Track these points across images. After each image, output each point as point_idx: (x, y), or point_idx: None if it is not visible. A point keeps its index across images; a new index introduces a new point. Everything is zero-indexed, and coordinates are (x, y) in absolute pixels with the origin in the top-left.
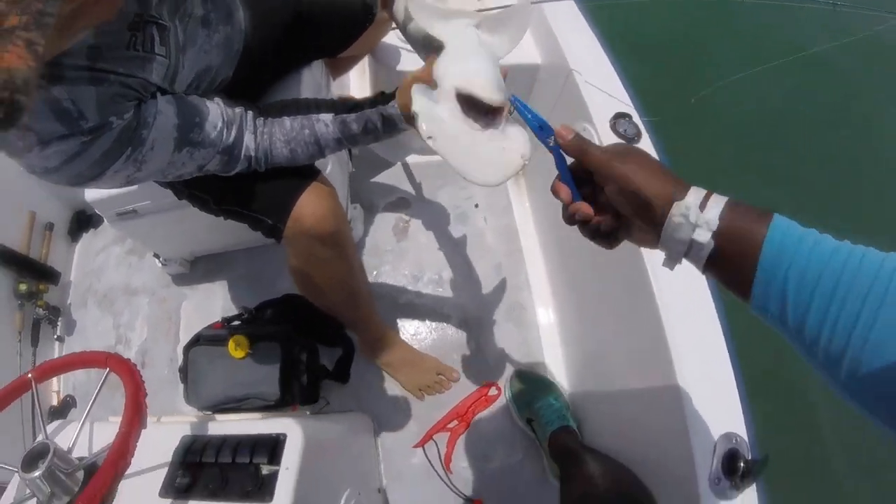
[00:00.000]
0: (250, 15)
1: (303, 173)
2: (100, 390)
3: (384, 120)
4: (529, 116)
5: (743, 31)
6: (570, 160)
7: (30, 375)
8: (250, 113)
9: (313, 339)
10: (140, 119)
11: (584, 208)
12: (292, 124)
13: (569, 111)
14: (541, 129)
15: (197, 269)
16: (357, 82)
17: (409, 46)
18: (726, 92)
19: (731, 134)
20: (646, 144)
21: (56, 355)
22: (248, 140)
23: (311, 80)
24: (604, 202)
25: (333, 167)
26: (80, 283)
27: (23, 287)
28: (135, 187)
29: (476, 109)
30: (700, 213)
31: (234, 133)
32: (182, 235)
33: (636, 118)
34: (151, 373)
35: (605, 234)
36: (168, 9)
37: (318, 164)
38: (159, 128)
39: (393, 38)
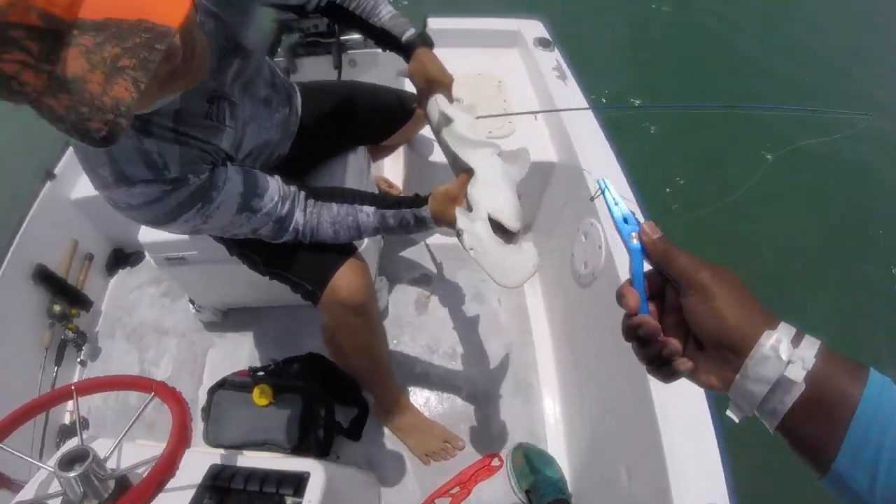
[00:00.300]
0: (306, 101)
1: (342, 249)
2: (140, 414)
3: (417, 220)
4: (614, 206)
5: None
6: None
7: (73, 387)
8: (303, 193)
9: (332, 396)
10: (212, 181)
11: (651, 324)
12: (339, 210)
13: (579, 207)
14: (625, 223)
15: (228, 319)
16: (391, 165)
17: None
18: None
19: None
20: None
21: (76, 378)
22: (298, 216)
23: (356, 163)
24: (671, 323)
25: (367, 243)
26: (110, 314)
27: (56, 308)
28: (188, 237)
29: (501, 229)
30: (793, 348)
31: (287, 207)
32: (221, 287)
33: (639, 215)
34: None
35: (666, 359)
36: (238, 87)
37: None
38: (227, 192)
39: (427, 130)
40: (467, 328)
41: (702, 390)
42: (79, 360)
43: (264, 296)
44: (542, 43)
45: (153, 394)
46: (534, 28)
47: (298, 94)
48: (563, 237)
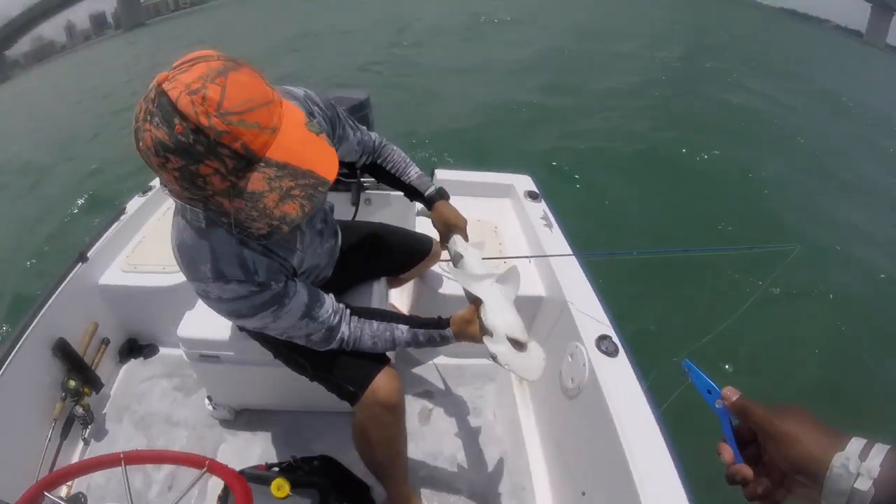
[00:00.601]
0: (345, 236)
1: (378, 357)
2: (188, 490)
3: (442, 338)
4: (699, 381)
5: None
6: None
7: (121, 455)
8: (349, 310)
9: (345, 495)
10: (286, 290)
11: (745, 471)
12: (378, 326)
13: (564, 333)
14: (709, 393)
15: (241, 417)
16: (396, 294)
17: (448, 275)
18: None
19: None
20: (622, 359)
21: (78, 456)
22: (345, 328)
23: (378, 291)
24: (766, 462)
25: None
26: (118, 399)
27: (71, 383)
28: (226, 338)
29: (515, 340)
30: (861, 462)
31: (337, 319)
32: (244, 387)
33: (615, 338)
34: (177, 497)
35: (765, 495)
36: (306, 220)
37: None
38: (296, 301)
39: (436, 267)
40: (467, 438)
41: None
42: (83, 437)
43: (280, 399)
44: (531, 195)
45: (205, 470)
46: (524, 182)
47: (340, 231)
48: (551, 359)
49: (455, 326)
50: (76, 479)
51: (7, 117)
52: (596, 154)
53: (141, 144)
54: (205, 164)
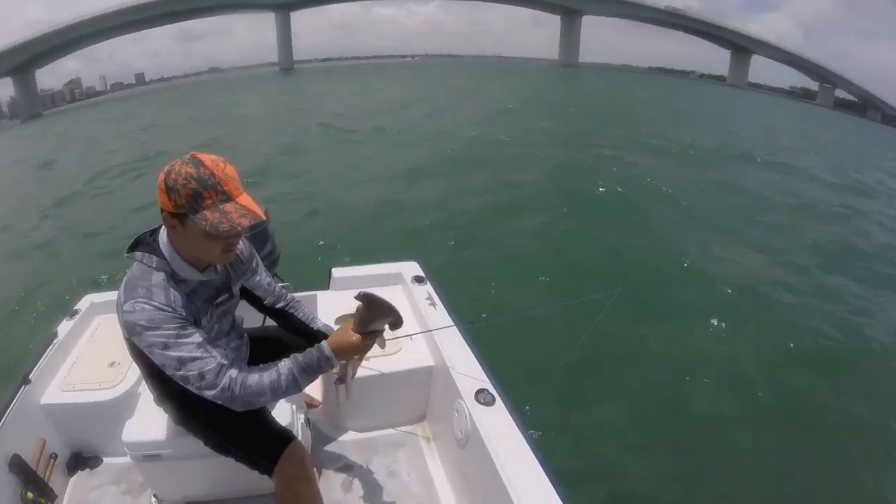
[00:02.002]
0: (254, 343)
1: (285, 436)
2: None
3: (323, 359)
4: None
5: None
6: None
7: None
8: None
9: None
10: (190, 324)
11: None
12: (263, 367)
13: (451, 393)
14: None
15: None
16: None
17: None
18: None
19: None
20: (499, 406)
21: None
22: (233, 371)
23: None
24: None
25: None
26: None
27: (30, 495)
28: (164, 437)
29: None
30: None
31: (227, 361)
32: (186, 481)
33: (491, 390)
34: None
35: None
36: (219, 312)
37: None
38: (195, 336)
39: None
40: (387, 499)
41: None
42: None
43: (221, 487)
44: (418, 279)
45: None
46: (412, 268)
47: (247, 338)
48: (446, 418)
49: (331, 343)
50: None
51: None
52: (468, 234)
53: (172, 175)
54: (207, 191)
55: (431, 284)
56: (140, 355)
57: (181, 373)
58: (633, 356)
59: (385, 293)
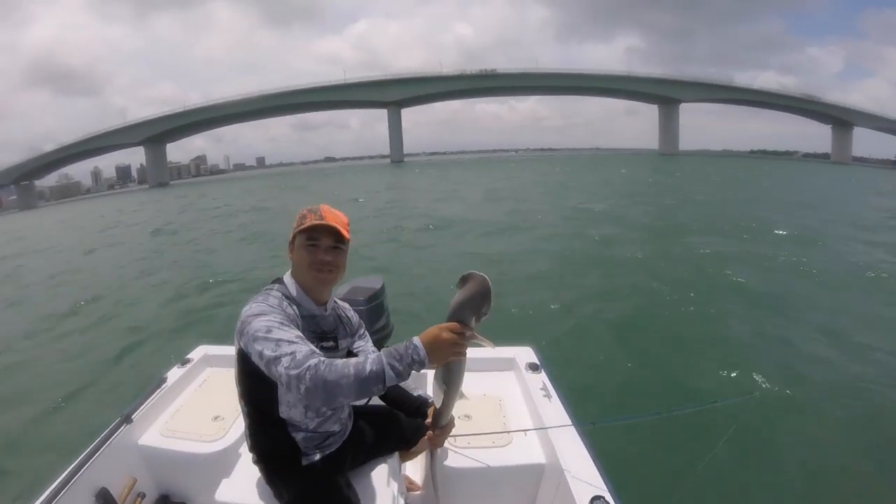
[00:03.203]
0: (360, 418)
1: None
2: None
3: (413, 354)
4: None
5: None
6: None
7: None
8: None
9: None
10: (288, 319)
11: None
12: (350, 358)
13: (564, 498)
14: None
15: None
16: (410, 467)
17: None
18: None
19: None
20: None
21: None
22: (321, 358)
23: (392, 465)
24: None
25: None
26: None
27: None
28: None
29: None
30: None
31: (315, 349)
32: None
33: (608, 497)
34: None
35: None
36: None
37: None
38: (292, 328)
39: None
40: None
41: None
42: None
43: None
44: (532, 367)
45: None
46: (526, 354)
47: (350, 410)
48: None
49: (422, 335)
50: None
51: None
52: (586, 325)
53: (297, 217)
54: (310, 214)
55: (546, 373)
56: (243, 370)
57: (276, 353)
58: (774, 470)
59: (498, 380)
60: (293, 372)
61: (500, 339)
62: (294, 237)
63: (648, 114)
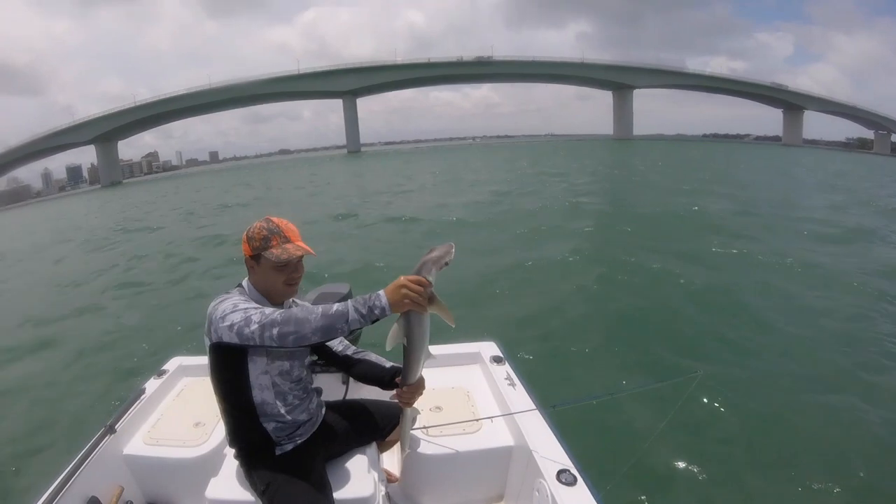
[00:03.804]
0: (336, 412)
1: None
2: None
3: (376, 304)
4: None
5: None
6: None
7: None
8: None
9: None
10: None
11: None
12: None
13: (532, 474)
14: None
15: None
16: (387, 458)
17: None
18: None
19: None
20: (580, 486)
21: None
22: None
23: (370, 454)
24: None
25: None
26: None
27: None
28: (245, 499)
29: None
30: None
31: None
32: None
33: (573, 470)
34: None
35: None
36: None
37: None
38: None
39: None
40: None
41: None
42: None
43: None
44: (496, 359)
45: None
46: (489, 348)
47: (321, 402)
48: (525, 498)
49: (387, 289)
50: None
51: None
52: (545, 314)
53: (251, 230)
54: (274, 236)
55: (510, 364)
56: (217, 364)
57: (246, 316)
58: (718, 439)
59: (465, 373)
60: (266, 320)
61: (463, 336)
62: (256, 255)
63: (602, 99)
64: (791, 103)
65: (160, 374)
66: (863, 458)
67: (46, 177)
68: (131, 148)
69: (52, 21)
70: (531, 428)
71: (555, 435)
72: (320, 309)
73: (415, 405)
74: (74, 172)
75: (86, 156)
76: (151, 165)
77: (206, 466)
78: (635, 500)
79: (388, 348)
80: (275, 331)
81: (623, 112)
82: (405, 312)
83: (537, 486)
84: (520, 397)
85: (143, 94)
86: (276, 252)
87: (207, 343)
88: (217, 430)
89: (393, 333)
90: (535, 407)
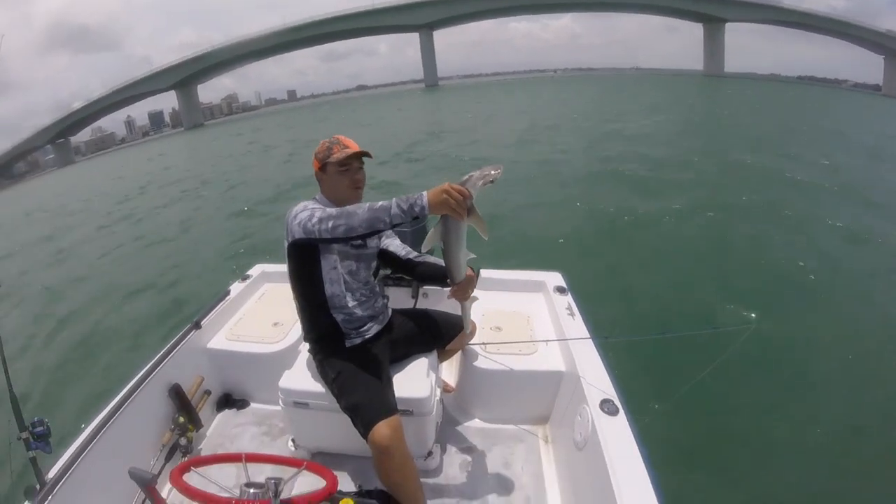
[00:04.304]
0: (403, 318)
1: (386, 409)
2: (288, 481)
3: (416, 202)
4: None
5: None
6: None
7: (243, 454)
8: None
9: None
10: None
11: None
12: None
13: (577, 399)
14: None
15: (317, 458)
16: (446, 368)
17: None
18: None
19: None
20: (621, 417)
21: None
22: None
23: (431, 361)
24: None
25: (429, 423)
26: (214, 438)
27: (181, 419)
28: (314, 390)
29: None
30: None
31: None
32: (323, 431)
33: (616, 401)
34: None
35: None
36: (355, 254)
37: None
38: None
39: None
40: (497, 485)
41: None
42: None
43: (349, 444)
44: (560, 290)
45: (304, 467)
46: (554, 279)
47: (389, 307)
48: (567, 423)
49: (430, 192)
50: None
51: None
52: (612, 244)
53: (318, 148)
54: (335, 146)
55: (572, 295)
56: (294, 260)
57: (311, 215)
58: (757, 394)
59: (528, 300)
60: (324, 215)
61: (531, 264)
62: (323, 166)
63: (689, 32)
64: (893, 49)
65: (244, 278)
66: None
67: (130, 124)
68: (210, 91)
69: None
70: (583, 356)
71: (604, 365)
72: (367, 204)
73: (473, 306)
74: (156, 118)
75: (166, 101)
76: (231, 107)
77: (282, 361)
78: (669, 438)
79: (423, 250)
80: (330, 223)
81: (714, 47)
82: (443, 217)
83: (580, 411)
84: (577, 326)
85: (218, 40)
86: (338, 155)
87: (285, 244)
88: (293, 330)
89: (430, 236)
90: (589, 336)
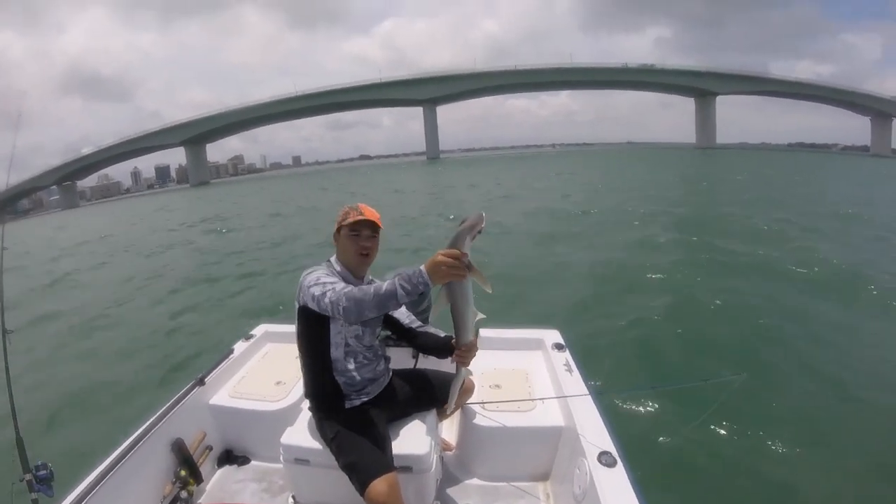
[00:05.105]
0: (403, 378)
1: (383, 465)
2: None
3: (418, 277)
4: None
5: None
6: None
7: None
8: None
9: None
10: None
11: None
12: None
13: (576, 452)
14: None
15: None
16: (446, 426)
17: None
18: None
19: None
20: (619, 469)
21: None
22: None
23: (430, 419)
24: None
25: (427, 479)
26: (214, 493)
27: (182, 473)
28: (315, 447)
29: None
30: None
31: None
32: (323, 487)
33: (614, 453)
34: None
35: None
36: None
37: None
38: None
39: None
40: None
41: None
42: None
43: (348, 502)
44: (557, 346)
45: None
46: (553, 336)
47: (389, 369)
48: (568, 479)
49: (426, 264)
50: None
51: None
52: (605, 305)
53: (340, 213)
54: (352, 211)
55: (570, 352)
56: (302, 322)
57: (323, 290)
58: (752, 439)
59: (526, 357)
60: (335, 297)
61: (529, 323)
62: (339, 229)
63: (683, 106)
64: (879, 110)
65: (248, 337)
66: None
67: (136, 175)
68: (218, 151)
69: (136, 34)
70: (581, 411)
71: (602, 419)
72: (373, 290)
73: (475, 381)
74: (163, 172)
75: (173, 157)
76: (237, 167)
77: (284, 419)
78: (666, 485)
79: (432, 316)
80: (340, 308)
81: (706, 119)
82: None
83: (578, 464)
84: (575, 382)
85: (230, 102)
86: (350, 220)
87: (297, 306)
88: (295, 389)
89: (438, 302)
90: (587, 392)
